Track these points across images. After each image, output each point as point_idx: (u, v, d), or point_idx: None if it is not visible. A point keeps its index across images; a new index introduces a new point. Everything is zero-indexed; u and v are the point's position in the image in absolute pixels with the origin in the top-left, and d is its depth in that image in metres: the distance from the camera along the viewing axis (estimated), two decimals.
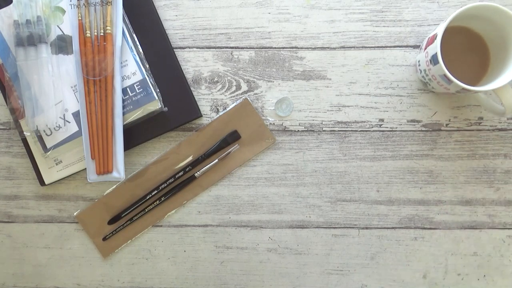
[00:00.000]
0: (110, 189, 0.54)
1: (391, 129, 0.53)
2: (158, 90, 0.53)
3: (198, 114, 0.53)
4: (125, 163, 0.52)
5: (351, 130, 0.54)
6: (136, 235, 0.54)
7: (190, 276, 0.55)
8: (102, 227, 0.54)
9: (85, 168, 0.52)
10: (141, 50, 0.53)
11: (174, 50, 0.54)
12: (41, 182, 0.53)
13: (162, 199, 0.53)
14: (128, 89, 0.51)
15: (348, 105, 0.54)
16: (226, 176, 0.54)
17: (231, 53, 0.54)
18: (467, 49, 0.50)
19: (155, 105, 0.52)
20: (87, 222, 0.54)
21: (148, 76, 0.52)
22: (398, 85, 0.53)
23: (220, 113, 0.54)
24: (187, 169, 0.54)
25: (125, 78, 0.51)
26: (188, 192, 0.54)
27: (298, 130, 0.54)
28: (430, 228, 0.53)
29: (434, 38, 0.46)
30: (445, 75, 0.44)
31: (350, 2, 0.54)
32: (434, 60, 0.45)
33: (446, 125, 0.53)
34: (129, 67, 0.51)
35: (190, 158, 0.54)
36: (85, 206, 0.55)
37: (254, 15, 0.54)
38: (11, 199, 0.55)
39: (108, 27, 0.50)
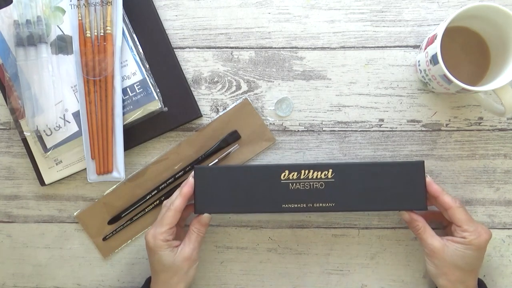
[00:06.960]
0: (110, 189, 0.54)
1: (391, 129, 0.53)
2: (158, 90, 0.53)
3: (198, 114, 0.53)
4: (125, 163, 0.52)
5: (351, 130, 0.53)
6: (136, 235, 0.54)
7: None
8: (102, 227, 0.54)
9: (85, 168, 0.52)
10: (141, 50, 0.53)
11: (174, 50, 0.54)
12: (41, 182, 0.53)
13: (162, 199, 0.53)
14: (128, 89, 0.51)
15: (348, 105, 0.54)
16: None
17: (231, 53, 0.54)
18: (467, 49, 0.50)
19: (155, 105, 0.52)
20: (87, 222, 0.54)
21: (148, 76, 0.52)
22: (398, 85, 0.53)
23: (220, 113, 0.54)
24: (187, 169, 0.54)
25: (125, 78, 0.51)
26: None
27: (298, 130, 0.54)
28: None
29: (434, 38, 0.46)
30: (445, 75, 0.44)
31: (350, 2, 0.54)
32: (434, 60, 0.45)
33: (446, 125, 0.53)
34: (129, 67, 0.51)
35: (190, 158, 0.54)
36: (85, 206, 0.55)
37: (254, 15, 0.54)
38: (11, 199, 0.55)
39: (108, 27, 0.50)
